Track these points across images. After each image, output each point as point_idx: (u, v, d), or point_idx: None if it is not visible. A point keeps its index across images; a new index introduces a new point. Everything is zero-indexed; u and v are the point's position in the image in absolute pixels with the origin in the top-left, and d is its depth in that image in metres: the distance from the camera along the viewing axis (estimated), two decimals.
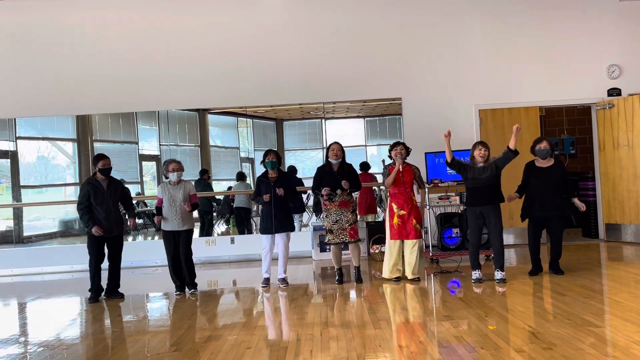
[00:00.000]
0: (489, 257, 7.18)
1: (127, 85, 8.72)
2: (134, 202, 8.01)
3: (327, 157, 6.39)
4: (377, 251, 7.91)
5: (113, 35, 8.76)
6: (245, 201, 9.36)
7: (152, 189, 9.57)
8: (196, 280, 6.44)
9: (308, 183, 8.11)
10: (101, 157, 6.29)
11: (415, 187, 6.41)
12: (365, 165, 9.15)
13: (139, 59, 8.76)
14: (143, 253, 8.66)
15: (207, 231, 9.44)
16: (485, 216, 5.97)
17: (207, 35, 8.76)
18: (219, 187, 9.75)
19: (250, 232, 9.29)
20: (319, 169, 6.43)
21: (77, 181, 9.27)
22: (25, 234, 9.21)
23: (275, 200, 6.34)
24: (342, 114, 9.51)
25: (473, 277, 6.03)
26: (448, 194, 7.46)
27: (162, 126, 9.31)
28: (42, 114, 8.96)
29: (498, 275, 5.94)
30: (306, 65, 8.70)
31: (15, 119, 8.97)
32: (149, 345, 4.47)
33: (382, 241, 7.83)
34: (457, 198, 7.39)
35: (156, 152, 9.45)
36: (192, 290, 6.37)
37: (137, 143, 9.46)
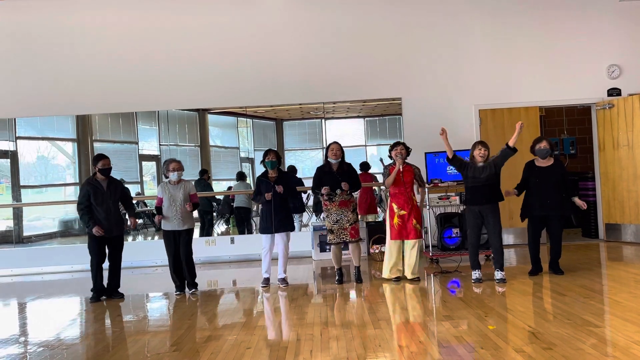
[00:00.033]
0: (488, 257, 7.18)
1: (127, 85, 8.72)
2: (134, 202, 8.01)
3: (326, 157, 6.39)
4: (377, 251, 7.91)
5: (113, 35, 8.77)
6: (245, 201, 9.36)
7: (152, 188, 9.57)
8: (196, 280, 6.44)
9: (308, 183, 8.11)
10: (101, 157, 6.29)
11: (415, 186, 6.41)
12: (365, 165, 9.15)
13: (139, 59, 8.76)
14: (143, 253, 8.66)
15: (207, 231, 9.44)
16: (484, 216, 5.97)
17: (207, 35, 8.76)
18: (219, 187, 9.75)
19: (250, 232, 9.29)
20: (318, 169, 6.43)
21: (77, 181, 9.27)
22: (25, 234, 9.21)
23: (275, 200, 6.34)
24: (342, 114, 9.51)
25: (473, 277, 6.04)
26: (448, 194, 7.46)
27: (162, 126, 9.31)
28: (42, 113, 8.96)
29: (498, 275, 5.95)
30: (306, 65, 8.70)
31: (15, 119, 8.97)
32: (149, 345, 4.47)
33: (382, 241, 7.83)
34: (457, 198, 7.40)
35: (156, 152, 9.45)
36: (193, 290, 6.37)
37: (137, 143, 9.46)
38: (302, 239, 8.39)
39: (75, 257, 8.32)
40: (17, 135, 9.02)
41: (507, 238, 8.48)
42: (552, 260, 6.26)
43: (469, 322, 4.49)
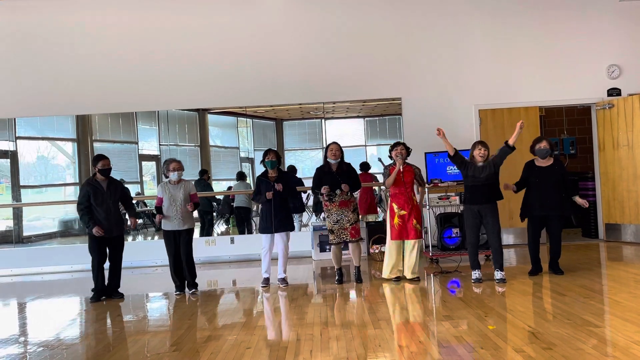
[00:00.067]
0: (488, 257, 7.18)
1: (127, 85, 8.72)
2: (134, 202, 8.01)
3: (325, 157, 6.39)
4: (377, 251, 7.91)
5: (113, 35, 8.77)
6: (245, 201, 9.36)
7: (151, 188, 9.57)
8: (196, 281, 6.44)
9: (308, 183, 8.11)
10: (101, 157, 6.29)
11: (415, 186, 6.41)
12: (365, 166, 9.15)
13: (139, 59, 8.76)
14: (143, 253, 8.66)
15: (207, 231, 9.44)
16: (483, 215, 5.97)
17: (207, 35, 8.76)
18: (219, 187, 9.75)
19: (250, 232, 9.29)
20: (318, 169, 6.43)
21: (77, 181, 9.27)
22: (25, 234, 9.21)
23: (275, 200, 6.34)
24: (342, 114, 9.51)
25: (473, 277, 6.04)
26: (448, 194, 7.46)
27: (162, 126, 9.31)
28: (42, 113, 8.96)
29: (498, 275, 5.95)
30: (306, 65, 8.70)
31: (15, 119, 8.97)
32: (148, 345, 4.47)
33: (382, 241, 7.83)
34: (457, 198, 7.40)
35: (156, 152, 9.45)
36: (193, 290, 6.37)
37: (137, 143, 9.46)
38: (302, 239, 8.39)
39: (75, 257, 8.33)
40: (17, 135, 9.02)
41: (507, 238, 8.49)
42: (551, 260, 6.27)
43: (468, 322, 4.49)
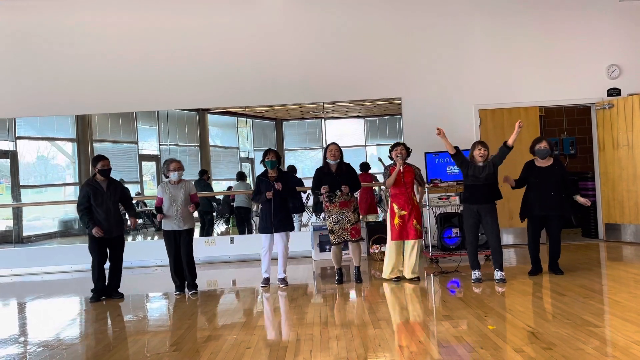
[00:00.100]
0: (488, 257, 7.18)
1: (127, 85, 8.72)
2: (134, 202, 8.01)
3: (325, 158, 6.39)
4: (377, 251, 7.91)
5: (113, 35, 8.77)
6: (245, 201, 9.36)
7: (151, 188, 9.57)
8: (196, 281, 6.44)
9: (307, 183, 8.11)
10: (100, 158, 6.29)
11: (415, 186, 6.41)
12: (365, 166, 9.15)
13: (139, 59, 8.76)
14: (143, 253, 8.66)
15: (207, 231, 9.44)
16: (482, 215, 5.97)
17: (207, 35, 8.76)
18: (219, 187, 9.75)
19: (250, 232, 9.29)
20: (317, 170, 6.43)
21: (77, 181, 9.27)
22: (25, 233, 9.21)
23: (275, 200, 6.34)
24: (342, 114, 9.51)
25: (472, 277, 6.04)
26: (448, 194, 7.46)
27: (161, 126, 9.31)
28: (42, 113, 8.96)
29: (497, 275, 5.95)
30: (306, 65, 8.70)
31: (15, 119, 8.97)
32: (148, 345, 4.47)
33: (382, 241, 7.83)
34: (457, 198, 7.40)
35: (156, 152, 9.45)
36: (193, 291, 6.37)
37: (136, 143, 9.46)
38: (301, 239, 8.40)
39: (75, 257, 8.33)
40: (16, 135, 9.02)
41: (507, 238, 8.49)
42: (551, 260, 6.26)
43: (468, 322, 4.49)
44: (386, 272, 6.35)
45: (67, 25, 8.79)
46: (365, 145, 9.61)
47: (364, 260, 7.94)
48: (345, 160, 6.48)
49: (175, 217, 6.26)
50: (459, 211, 7.49)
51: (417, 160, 7.05)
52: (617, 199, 8.40)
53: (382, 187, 8.86)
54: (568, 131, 10.97)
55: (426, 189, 7.12)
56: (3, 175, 9.06)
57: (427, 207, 7.37)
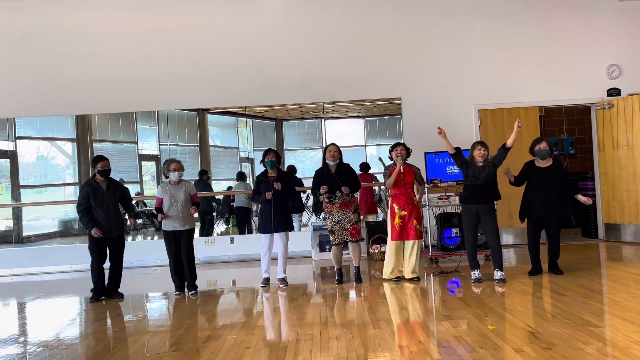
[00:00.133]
0: (488, 257, 7.18)
1: (127, 85, 8.72)
2: (134, 202, 8.01)
3: (324, 159, 6.39)
4: (376, 251, 7.91)
5: (113, 35, 8.77)
6: (245, 201, 9.36)
7: (151, 188, 9.57)
8: (196, 282, 6.43)
9: (307, 183, 8.11)
10: (100, 158, 6.28)
11: (415, 185, 6.41)
12: (365, 166, 9.15)
13: (139, 59, 8.76)
14: (143, 253, 8.66)
15: (207, 231, 9.44)
16: (481, 215, 5.97)
17: (207, 35, 8.76)
18: (219, 187, 9.75)
19: (250, 231, 9.29)
20: (317, 171, 6.43)
21: (77, 181, 9.27)
22: (25, 233, 9.21)
23: (275, 200, 6.34)
24: (342, 114, 9.51)
25: (472, 277, 6.04)
26: (448, 194, 7.46)
27: (161, 126, 9.31)
28: (42, 113, 8.96)
29: (497, 275, 5.95)
30: (306, 65, 8.70)
31: (14, 119, 8.98)
32: (148, 345, 4.47)
33: (381, 241, 7.83)
34: (457, 198, 7.39)
35: (156, 152, 9.45)
36: (193, 291, 6.36)
37: (136, 143, 9.46)
38: (301, 239, 8.40)
39: (75, 257, 8.33)
40: (16, 135, 9.02)
41: (507, 238, 8.49)
42: (550, 260, 6.26)
43: (468, 322, 4.49)
44: (386, 273, 6.35)
45: (67, 25, 8.79)
46: (365, 145, 9.61)
47: (364, 260, 7.94)
48: (345, 160, 6.48)
49: (175, 217, 6.25)
50: (459, 211, 7.48)
51: (417, 160, 7.05)
52: (617, 199, 8.40)
53: (382, 187, 8.86)
54: (568, 131, 10.98)
55: (426, 189, 7.12)
56: (3, 175, 9.06)
57: (427, 207, 7.38)
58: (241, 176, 9.40)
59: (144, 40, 8.77)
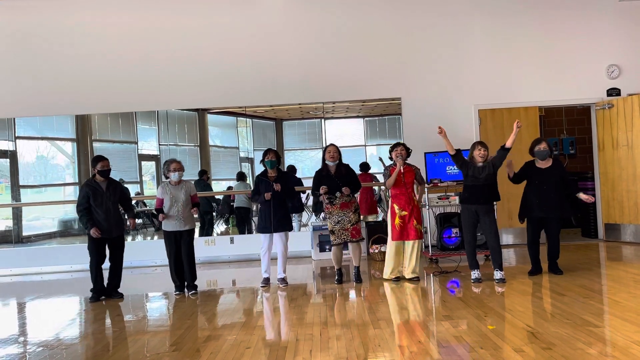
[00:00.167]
0: (488, 257, 7.17)
1: (127, 85, 8.72)
2: (134, 202, 8.01)
3: (323, 159, 6.39)
4: (376, 251, 7.91)
5: (113, 35, 8.77)
6: (245, 201, 9.36)
7: (151, 188, 9.57)
8: (196, 282, 6.43)
9: (307, 183, 8.11)
10: (100, 158, 6.28)
11: (415, 185, 6.41)
12: (365, 166, 9.15)
13: (139, 59, 8.76)
14: (143, 253, 8.66)
15: (207, 231, 9.44)
16: (480, 215, 5.97)
17: (207, 35, 8.76)
18: (219, 187, 9.75)
19: (250, 231, 9.29)
20: (317, 172, 6.43)
21: (77, 181, 9.27)
22: (25, 233, 9.21)
23: (274, 200, 6.34)
24: (342, 113, 9.51)
25: (472, 277, 6.04)
26: (447, 193, 7.46)
27: (161, 126, 9.31)
28: (42, 113, 8.96)
29: (497, 275, 5.95)
30: (306, 65, 8.70)
31: (14, 119, 8.97)
32: (148, 345, 4.47)
33: (381, 241, 7.83)
34: (457, 198, 7.40)
35: (156, 152, 9.45)
36: (192, 291, 6.36)
37: (136, 143, 9.46)
38: (301, 239, 8.40)
39: (75, 257, 8.32)
40: (16, 135, 9.02)
41: (507, 238, 8.49)
42: (550, 260, 6.26)
43: (468, 322, 4.49)
44: (387, 273, 6.35)
45: (67, 25, 8.79)
46: (365, 145, 9.61)
47: (364, 260, 7.93)
48: (345, 160, 6.48)
49: (176, 217, 6.25)
50: (459, 211, 7.48)
51: (417, 160, 7.05)
52: (617, 199, 8.40)
53: (382, 187, 8.86)
54: (568, 131, 10.98)
55: (426, 189, 7.12)
56: (3, 175, 9.06)
57: (427, 207, 7.38)
58: (241, 176, 9.40)
59: (144, 40, 8.77)
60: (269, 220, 6.37)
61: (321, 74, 8.69)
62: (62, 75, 8.75)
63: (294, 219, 8.74)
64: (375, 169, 9.18)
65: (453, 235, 7.42)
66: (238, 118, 9.50)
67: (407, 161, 6.33)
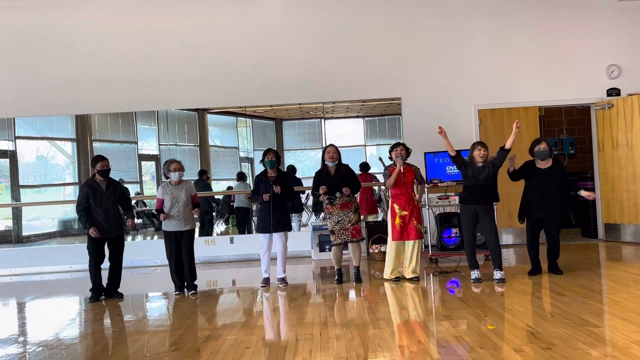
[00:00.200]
0: (487, 257, 7.17)
1: (127, 85, 8.72)
2: (133, 202, 8.01)
3: (323, 160, 6.39)
4: (376, 251, 7.91)
5: (113, 35, 8.77)
6: (245, 201, 9.37)
7: (151, 188, 9.57)
8: (196, 282, 6.43)
9: (307, 183, 8.11)
10: (100, 158, 6.28)
11: (415, 185, 6.41)
12: (365, 166, 9.15)
13: (139, 59, 8.76)
14: (143, 253, 8.66)
15: (207, 231, 9.44)
16: (480, 215, 5.97)
17: (207, 35, 8.76)
18: (219, 187, 9.75)
19: (250, 231, 9.29)
20: (316, 173, 6.43)
21: (77, 181, 9.27)
22: (24, 233, 9.21)
23: (274, 200, 6.34)
24: (342, 113, 9.51)
25: (472, 277, 6.04)
26: (447, 193, 7.46)
27: (161, 126, 9.31)
28: (42, 113, 8.96)
29: (497, 275, 5.95)
30: (306, 65, 8.70)
31: (14, 119, 8.97)
32: (148, 344, 4.47)
33: (381, 241, 7.83)
34: (457, 198, 7.40)
35: (155, 152, 9.45)
36: (192, 291, 6.36)
37: (136, 143, 9.46)
38: (301, 239, 8.41)
39: (75, 257, 8.32)
40: (16, 135, 9.02)
41: (507, 238, 8.49)
42: (550, 260, 6.25)
43: (468, 322, 4.49)
44: (387, 273, 6.35)
45: (67, 25, 8.79)
46: (365, 145, 9.61)
47: (364, 260, 7.93)
48: (345, 160, 6.48)
49: (177, 217, 6.25)
50: (459, 211, 7.48)
51: (416, 160, 7.05)
52: (617, 199, 8.40)
53: (382, 187, 8.86)
54: (567, 131, 10.98)
55: (426, 189, 7.12)
56: (2, 175, 9.06)
57: (427, 207, 7.37)
58: (241, 176, 9.40)
59: (144, 40, 8.77)
60: (268, 220, 6.37)
61: (321, 74, 8.69)
62: (62, 75, 8.75)
63: (293, 219, 8.74)
64: (375, 169, 9.18)
65: (453, 235, 7.42)
66: (238, 118, 9.50)
67: (406, 161, 6.33)
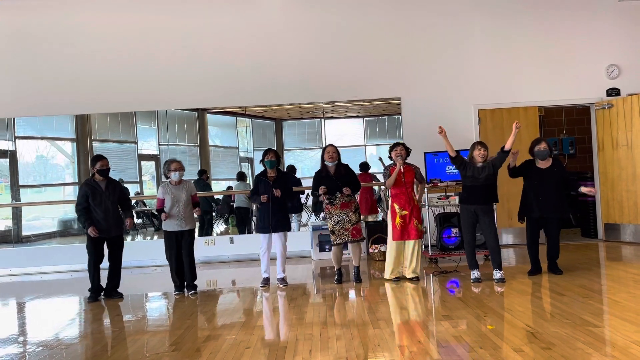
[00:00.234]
0: (487, 257, 7.17)
1: (126, 85, 8.72)
2: (133, 201, 8.01)
3: (322, 160, 6.39)
4: (376, 251, 7.91)
5: (113, 35, 8.77)
6: (245, 201, 9.36)
7: (151, 188, 9.57)
8: (196, 282, 6.43)
9: (307, 183, 8.11)
10: (99, 158, 6.28)
11: (415, 185, 6.41)
12: (364, 166, 9.15)
13: (139, 59, 8.76)
14: (142, 253, 8.66)
15: (206, 231, 9.44)
16: (479, 215, 5.97)
17: (207, 35, 8.76)
18: (219, 186, 9.75)
19: (250, 231, 9.29)
20: (316, 173, 6.42)
21: (76, 181, 9.27)
22: (24, 233, 9.21)
23: (273, 200, 6.34)
24: (342, 113, 9.51)
25: (472, 277, 6.04)
26: (447, 193, 7.46)
27: (161, 126, 9.31)
28: (41, 113, 8.95)
29: (497, 275, 5.95)
30: (306, 66, 8.70)
31: (14, 119, 8.97)
32: (148, 344, 4.47)
33: (381, 241, 7.83)
34: (456, 198, 7.40)
35: (155, 152, 9.45)
36: (192, 291, 6.36)
37: (136, 143, 9.46)
38: (301, 239, 8.41)
39: (74, 257, 8.32)
40: (16, 135, 9.02)
41: (507, 238, 8.49)
42: (549, 260, 6.25)
43: (468, 322, 4.49)
44: (387, 273, 6.35)
45: (67, 25, 8.79)
46: (365, 145, 9.61)
47: (364, 260, 7.93)
48: (345, 160, 6.48)
49: (177, 217, 6.25)
50: (458, 211, 7.48)
51: (416, 160, 7.05)
52: (617, 199, 8.40)
53: (382, 187, 8.86)
54: (567, 131, 10.98)
55: (425, 188, 7.12)
56: (2, 174, 9.06)
57: (427, 206, 7.37)
58: (241, 176, 9.39)
59: (144, 40, 8.77)
60: (267, 220, 6.37)
61: (321, 74, 8.69)
62: (62, 75, 8.75)
63: (293, 219, 8.75)
64: (375, 168, 9.18)
65: (453, 235, 7.42)
66: (238, 118, 9.50)
67: (406, 161, 6.33)
